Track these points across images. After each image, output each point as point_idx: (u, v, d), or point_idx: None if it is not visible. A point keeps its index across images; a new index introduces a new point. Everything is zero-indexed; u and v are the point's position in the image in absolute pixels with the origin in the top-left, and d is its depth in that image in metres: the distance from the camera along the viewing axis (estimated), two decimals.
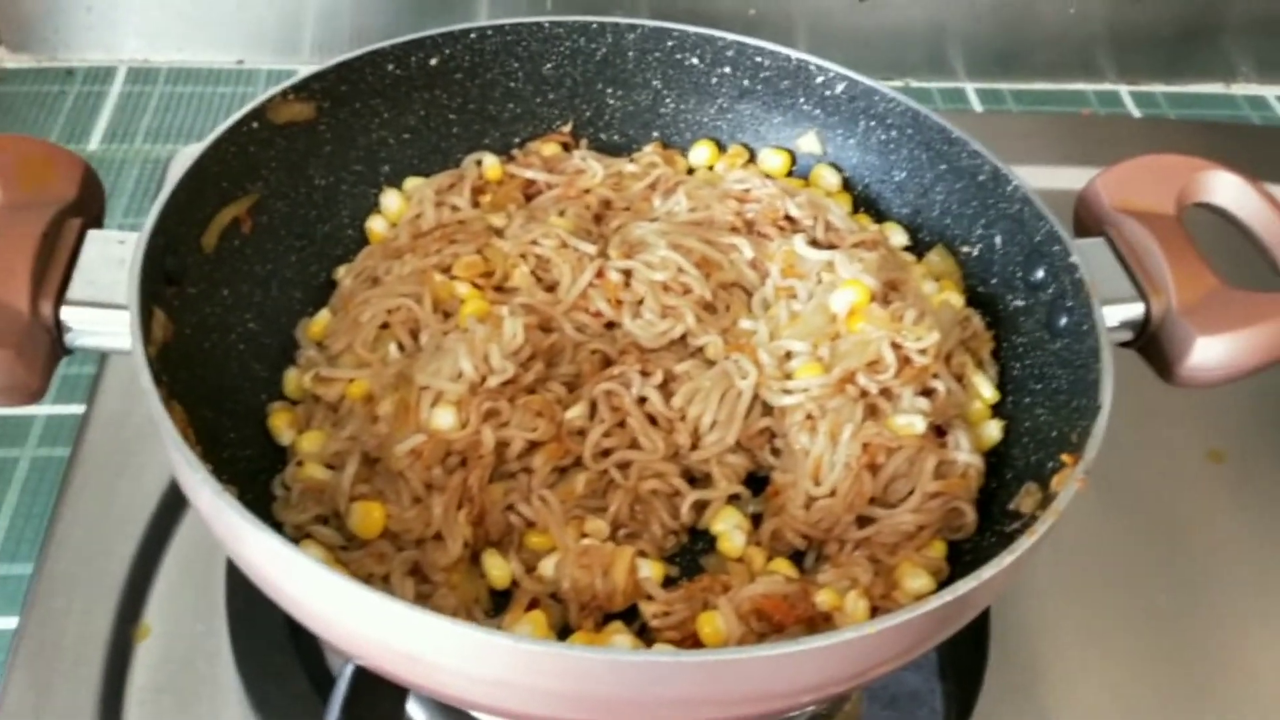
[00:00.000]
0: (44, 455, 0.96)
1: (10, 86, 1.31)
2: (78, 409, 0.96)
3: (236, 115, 0.78)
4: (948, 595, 0.56)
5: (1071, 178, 1.26)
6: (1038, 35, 1.45)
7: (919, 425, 0.73)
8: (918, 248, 0.89)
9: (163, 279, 0.70)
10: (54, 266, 0.68)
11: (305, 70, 1.24)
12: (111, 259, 0.69)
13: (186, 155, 1.12)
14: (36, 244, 0.67)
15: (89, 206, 0.72)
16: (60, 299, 0.67)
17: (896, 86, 1.43)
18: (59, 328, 0.67)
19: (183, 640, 0.81)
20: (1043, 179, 1.33)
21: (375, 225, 0.88)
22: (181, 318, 0.71)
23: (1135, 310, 0.75)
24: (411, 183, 0.90)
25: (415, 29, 1.32)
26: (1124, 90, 1.47)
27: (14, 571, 0.88)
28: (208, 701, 0.78)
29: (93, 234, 0.70)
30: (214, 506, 0.57)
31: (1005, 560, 0.57)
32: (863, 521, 0.72)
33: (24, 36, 1.34)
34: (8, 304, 0.64)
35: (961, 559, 0.72)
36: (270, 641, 0.80)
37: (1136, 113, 1.44)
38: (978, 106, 1.43)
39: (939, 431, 0.76)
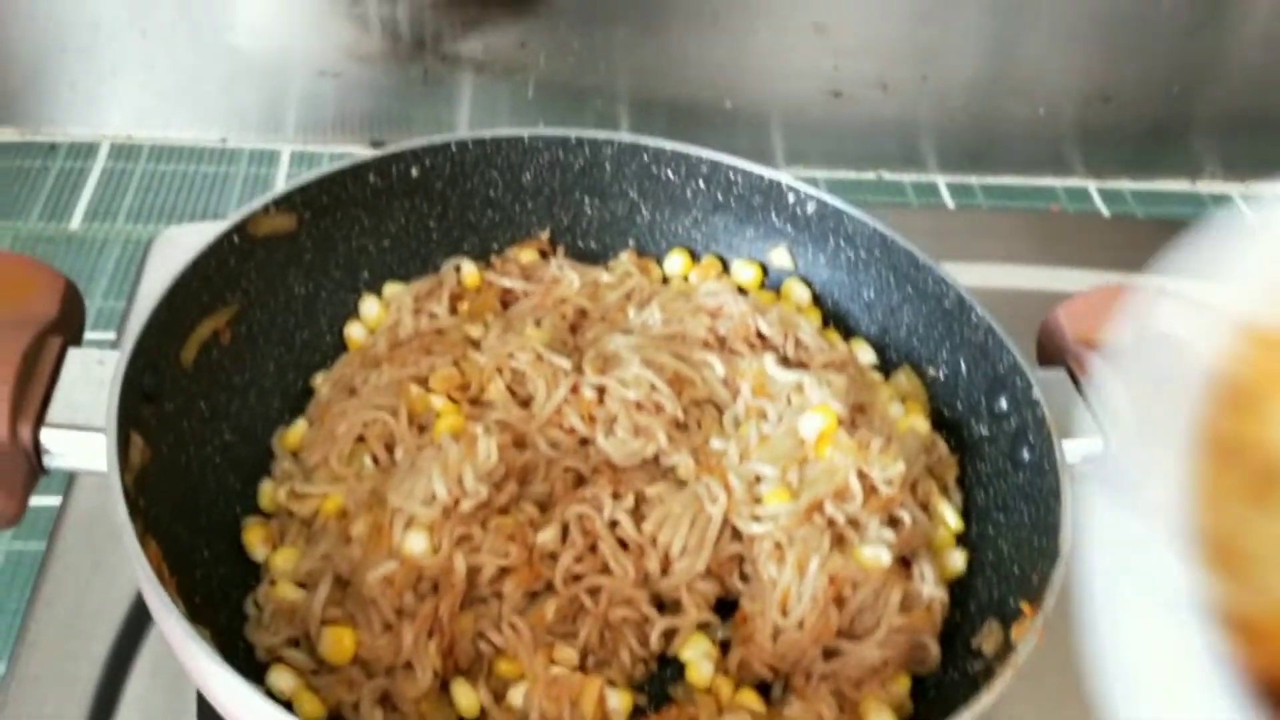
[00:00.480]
0: (18, 549, 0.96)
1: None
2: (53, 500, 0.96)
3: (218, 231, 0.79)
4: None
5: (1041, 277, 1.31)
6: (1008, 131, 1.48)
7: (885, 558, 0.74)
8: (885, 365, 0.91)
9: (141, 398, 0.71)
10: (33, 388, 0.68)
11: (289, 151, 1.25)
12: (91, 379, 0.70)
13: (170, 238, 1.16)
14: (17, 366, 0.68)
15: (69, 324, 0.73)
16: (40, 422, 0.67)
17: (869, 179, 1.48)
18: (38, 451, 0.67)
19: None
20: (1012, 278, 1.37)
21: (354, 332, 0.89)
22: (159, 436, 0.72)
23: (1095, 445, 0.77)
24: (391, 289, 0.91)
25: (395, 115, 1.37)
26: (1092, 186, 1.51)
27: None
28: None
29: (73, 353, 0.71)
30: (188, 650, 0.58)
31: (962, 716, 0.58)
32: (828, 654, 0.73)
33: (6, 109, 1.35)
34: None
35: (925, 695, 0.74)
36: None
37: (1105, 210, 1.48)
38: (949, 199, 1.46)
39: (904, 562, 0.77)
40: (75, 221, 1.25)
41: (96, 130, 1.35)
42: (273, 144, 1.38)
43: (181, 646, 0.59)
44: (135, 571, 0.60)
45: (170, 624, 0.58)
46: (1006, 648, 0.67)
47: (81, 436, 0.68)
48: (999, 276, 1.29)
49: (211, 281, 0.79)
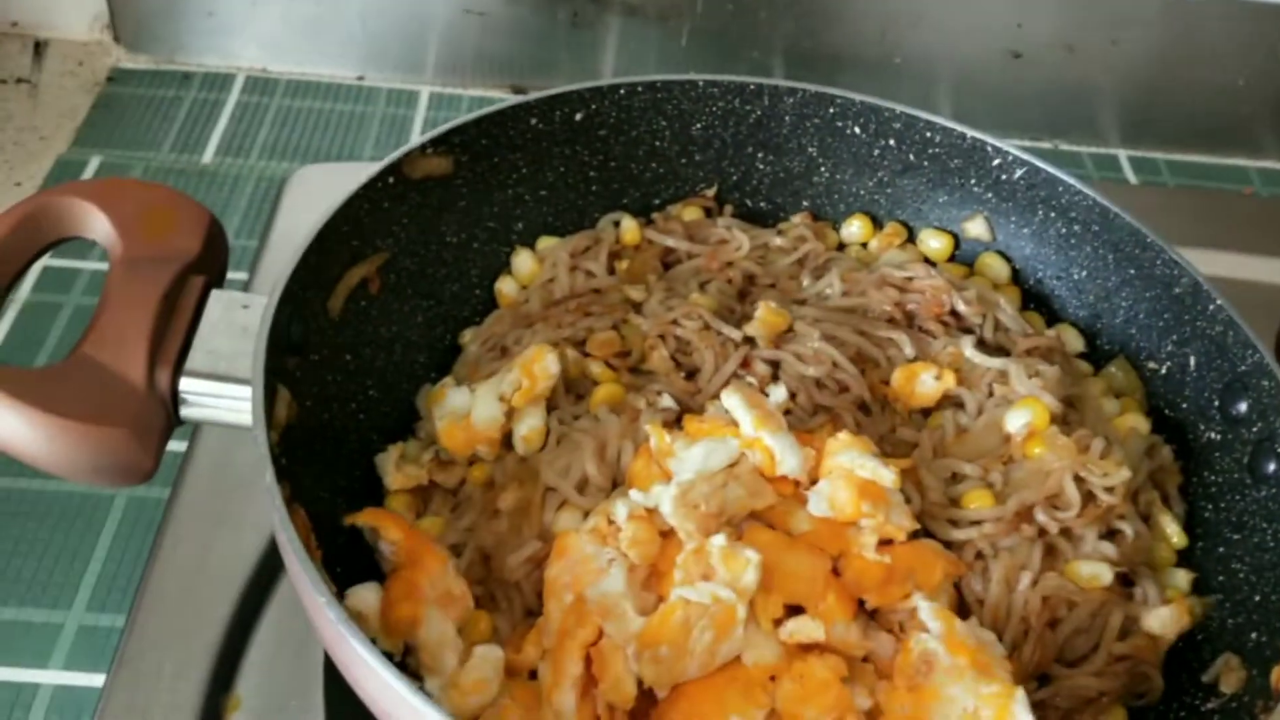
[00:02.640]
0: (140, 495, 0.91)
1: (125, 87, 1.28)
2: (179, 446, 0.91)
3: (372, 171, 0.72)
4: None
5: (1236, 264, 1.19)
6: (1198, 105, 1.35)
7: (1106, 576, 0.65)
8: (1094, 355, 0.81)
9: (287, 350, 0.64)
10: (174, 331, 0.62)
11: (428, 92, 1.19)
12: (235, 325, 0.64)
13: (305, 178, 1.10)
14: (157, 306, 0.62)
15: (212, 263, 0.67)
16: (179, 369, 0.61)
17: (1045, 149, 1.36)
18: (175, 400, 0.62)
19: (276, 716, 0.76)
20: (1206, 263, 1.24)
21: (505, 287, 0.82)
22: (303, 390, 0.66)
23: None
24: (545, 242, 0.84)
25: (541, 57, 1.29)
26: None
27: (103, 623, 0.83)
28: None
29: (216, 295, 0.65)
30: (333, 631, 0.51)
31: None
32: (1039, 679, 0.64)
33: (141, 36, 1.31)
34: (123, 375, 0.59)
35: None
36: None
37: None
38: (1131, 174, 1.33)
39: (1123, 580, 0.68)
40: (208, 155, 1.20)
41: (232, 62, 1.30)
42: (411, 84, 1.31)
43: (329, 630, 0.53)
44: (280, 541, 0.54)
45: (318, 606, 0.52)
46: (1258, 689, 0.58)
47: (224, 387, 0.62)
48: (1192, 262, 1.19)
49: (363, 225, 0.72)
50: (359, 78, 1.31)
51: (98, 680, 0.79)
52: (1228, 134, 1.37)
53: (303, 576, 0.52)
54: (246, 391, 0.60)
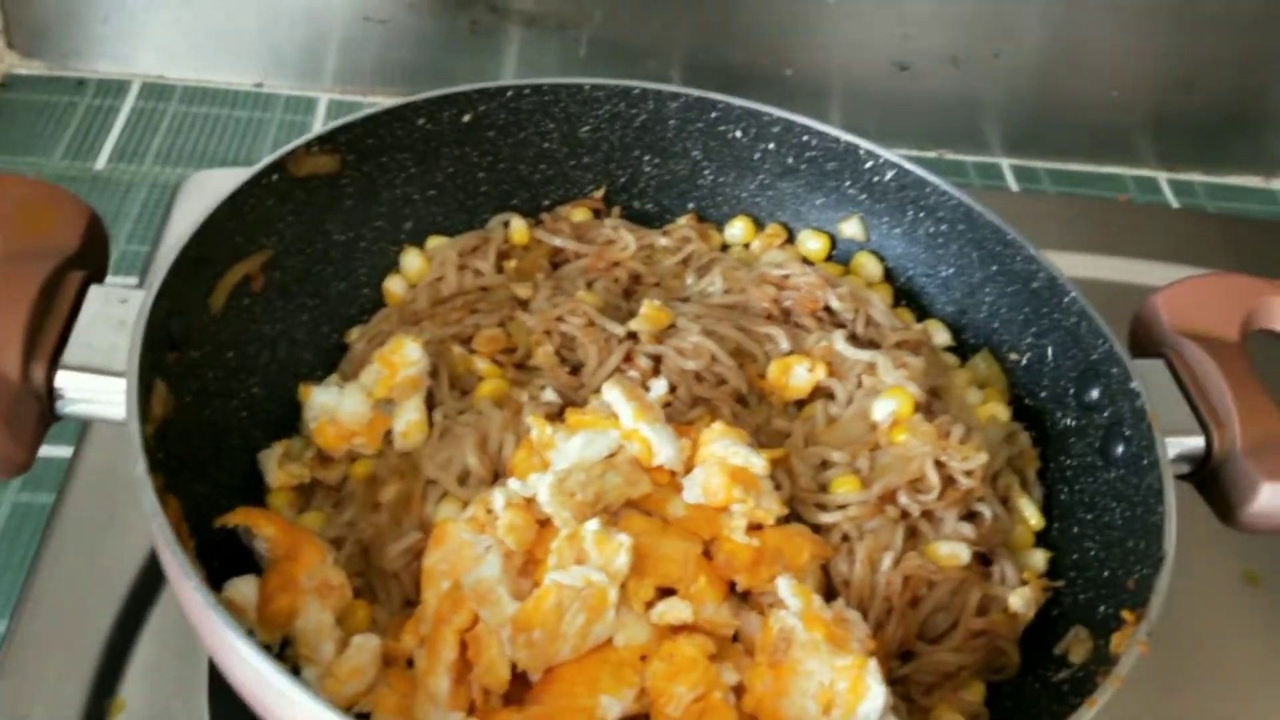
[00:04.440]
0: (25, 501, 0.90)
1: (18, 94, 1.26)
2: (65, 452, 0.91)
3: (256, 168, 0.73)
4: None
5: (1107, 267, 1.24)
6: (1078, 116, 1.41)
7: (964, 556, 0.68)
8: (961, 349, 0.85)
9: (166, 344, 0.65)
10: (50, 325, 0.63)
11: (326, 100, 1.20)
12: (112, 319, 0.64)
13: (199, 183, 1.10)
14: (33, 300, 0.62)
15: (91, 258, 0.67)
16: (55, 363, 0.62)
17: (930, 158, 1.41)
18: (50, 394, 0.62)
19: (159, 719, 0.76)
20: (1077, 266, 1.29)
21: (393, 286, 0.84)
22: (183, 385, 0.66)
23: (1195, 444, 0.71)
24: (434, 242, 0.85)
25: (441, 65, 1.31)
26: (1162, 178, 1.44)
27: None
28: None
29: (94, 290, 0.65)
30: (205, 618, 0.52)
31: None
32: (901, 657, 0.67)
33: (36, 42, 1.29)
34: None
35: (1001, 703, 0.68)
36: None
37: (1174, 202, 1.40)
38: (1013, 183, 1.39)
39: (982, 560, 0.71)
40: (101, 161, 1.19)
41: (127, 68, 1.30)
42: (310, 90, 1.32)
43: (200, 616, 0.53)
44: (152, 531, 0.55)
45: (188, 591, 0.52)
46: (1102, 658, 0.61)
47: (100, 381, 0.62)
48: (1064, 265, 1.24)
49: (246, 222, 0.73)
50: (257, 84, 1.31)
51: None
52: (1106, 143, 1.43)
53: (173, 563, 0.53)
54: (122, 385, 0.60)
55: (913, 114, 1.38)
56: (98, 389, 0.62)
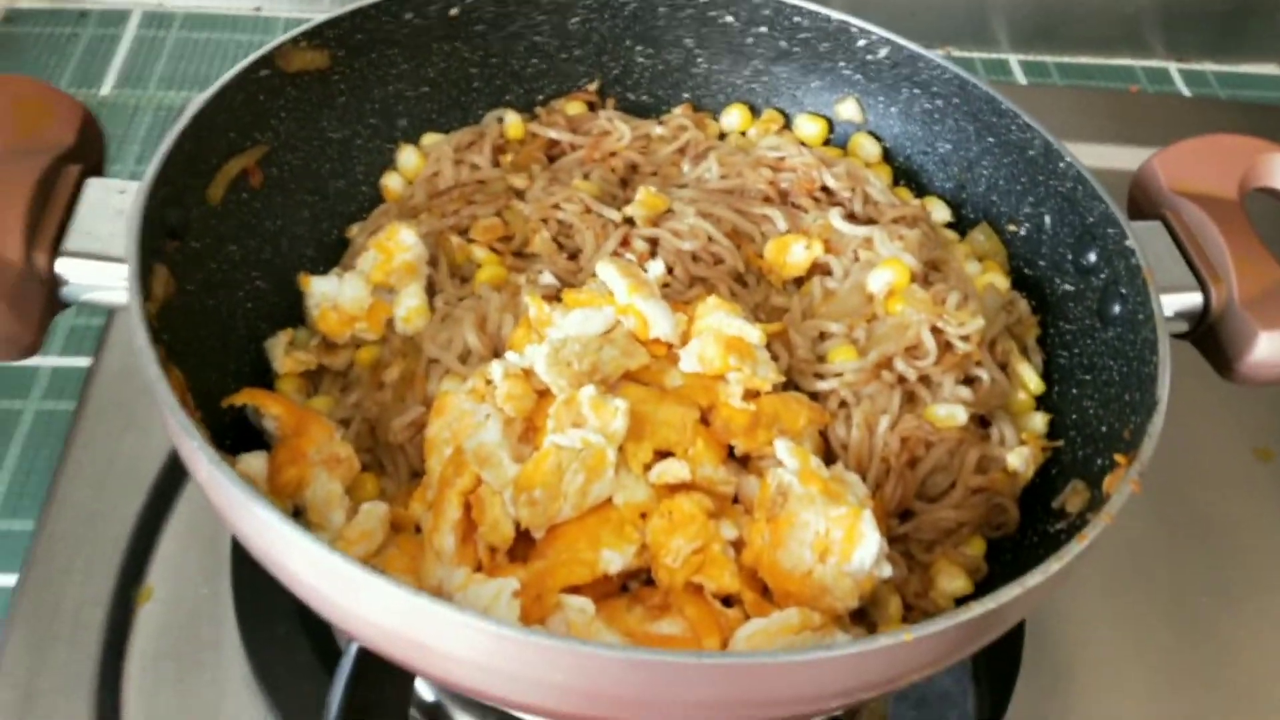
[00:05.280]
0: (49, 408, 0.92)
1: (21, 27, 1.27)
2: (84, 362, 0.93)
3: (245, 61, 0.73)
4: (990, 603, 0.52)
5: (1119, 156, 1.22)
6: (1085, 8, 1.39)
7: (961, 416, 0.69)
8: (960, 224, 0.85)
9: (165, 232, 0.66)
10: (49, 216, 0.64)
11: (322, 19, 1.19)
12: (111, 209, 0.65)
13: (197, 103, 1.11)
14: (31, 191, 0.63)
15: (88, 153, 0.68)
16: (56, 250, 0.63)
17: (937, 55, 1.39)
18: (55, 280, 0.63)
19: (186, 604, 0.78)
20: (1089, 157, 1.28)
21: (390, 182, 0.84)
22: (185, 273, 0.67)
23: (1193, 300, 0.71)
24: (430, 139, 0.86)
25: None
26: (1173, 68, 1.42)
27: (15, 528, 0.85)
28: (210, 669, 0.75)
29: (92, 182, 0.66)
30: (211, 477, 0.54)
31: (1052, 567, 0.53)
32: (901, 515, 0.68)
33: None
34: None
35: (1001, 558, 0.69)
36: (275, 608, 0.77)
37: (1186, 91, 1.39)
38: (1021, 78, 1.37)
39: (981, 422, 0.71)
40: (106, 88, 1.20)
41: None
42: (308, 12, 1.31)
43: (209, 480, 0.55)
44: (158, 402, 0.56)
45: (193, 452, 0.54)
46: (1097, 501, 0.62)
47: (102, 267, 0.63)
48: (1077, 156, 1.23)
49: (239, 117, 0.73)
50: (256, 9, 1.32)
51: (9, 580, 0.81)
52: (1115, 36, 1.41)
53: (177, 427, 0.54)
54: (123, 270, 0.61)
55: (919, 12, 1.37)
56: (100, 274, 0.63)
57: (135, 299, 0.59)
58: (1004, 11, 1.38)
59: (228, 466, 0.53)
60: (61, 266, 0.63)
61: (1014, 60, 1.39)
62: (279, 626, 0.77)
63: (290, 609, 0.77)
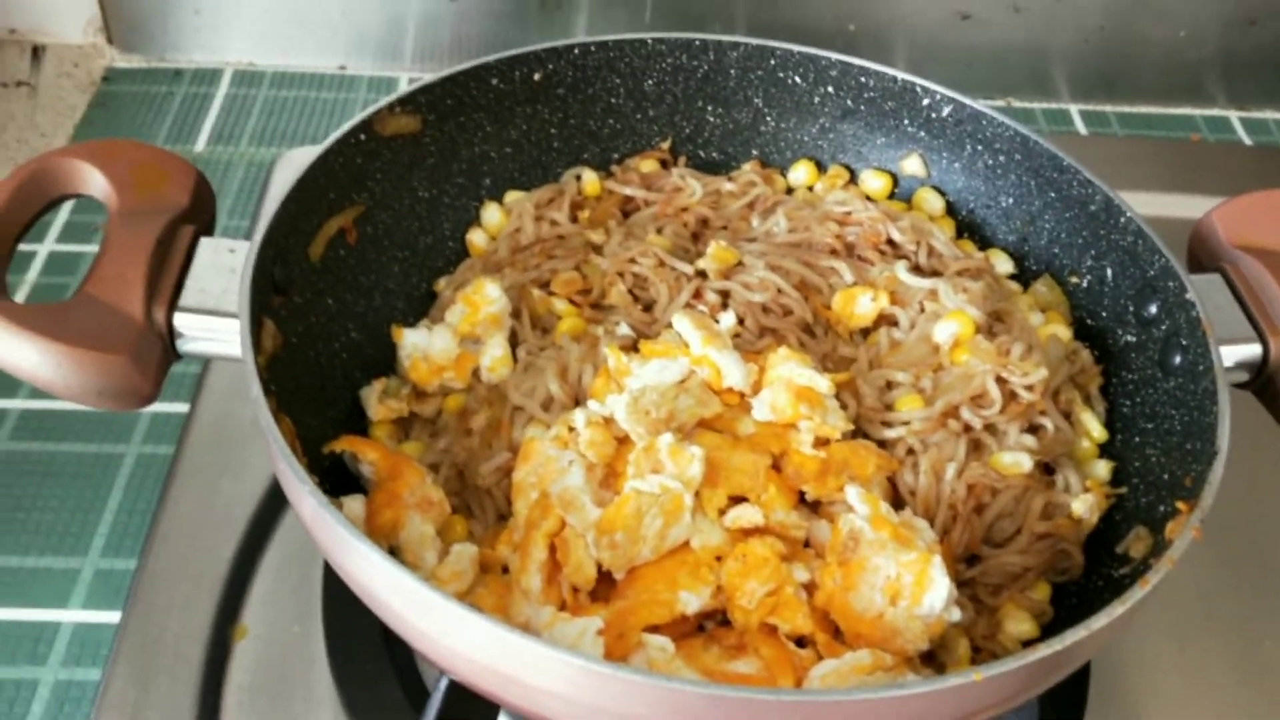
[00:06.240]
0: (148, 452, 0.98)
1: (120, 86, 1.35)
2: (182, 408, 0.98)
3: (345, 127, 0.78)
4: (1056, 644, 0.54)
5: (1181, 205, 1.24)
6: (1145, 57, 1.41)
7: (1026, 464, 0.71)
8: (1023, 276, 0.87)
9: (271, 288, 0.71)
10: (167, 274, 0.69)
11: (407, 79, 1.26)
12: (223, 267, 0.70)
13: (291, 160, 1.17)
14: (150, 251, 0.68)
15: (200, 214, 0.74)
16: (173, 306, 0.68)
17: (998, 106, 1.41)
18: (171, 334, 0.68)
19: (279, 642, 0.82)
20: (1150, 206, 1.30)
21: (475, 238, 0.89)
22: (288, 327, 0.72)
23: (1253, 351, 0.73)
24: (512, 196, 0.91)
25: (514, 40, 1.36)
26: (1234, 116, 1.43)
27: (118, 566, 0.90)
28: (302, 703, 0.79)
29: (205, 242, 0.72)
30: (319, 518, 0.58)
31: (1116, 610, 0.55)
32: (969, 560, 0.70)
33: (134, 37, 1.38)
34: (122, 310, 0.66)
35: (1066, 601, 0.70)
36: (364, 647, 0.80)
37: (1248, 140, 1.40)
38: (1082, 128, 1.39)
39: (1046, 470, 0.74)
40: (200, 144, 1.27)
41: (220, 57, 1.37)
42: (391, 70, 1.38)
43: (317, 521, 0.59)
44: (269, 447, 0.60)
45: (303, 496, 0.58)
46: (1160, 546, 0.64)
47: (214, 321, 0.68)
48: (1136, 205, 1.25)
49: (338, 179, 0.78)
50: (341, 67, 1.38)
51: (114, 617, 0.85)
52: (1175, 85, 1.43)
53: (288, 472, 0.59)
54: (235, 325, 0.66)
55: (978, 63, 1.40)
56: (214, 329, 0.68)
57: (248, 353, 0.64)
58: (1064, 62, 1.41)
59: (336, 510, 0.57)
60: (178, 321, 0.68)
61: (1074, 110, 1.42)
62: (368, 664, 0.81)
63: (378, 647, 0.81)
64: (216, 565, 0.87)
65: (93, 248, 1.13)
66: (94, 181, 0.71)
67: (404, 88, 1.34)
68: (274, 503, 0.90)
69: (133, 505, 0.95)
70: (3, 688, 0.84)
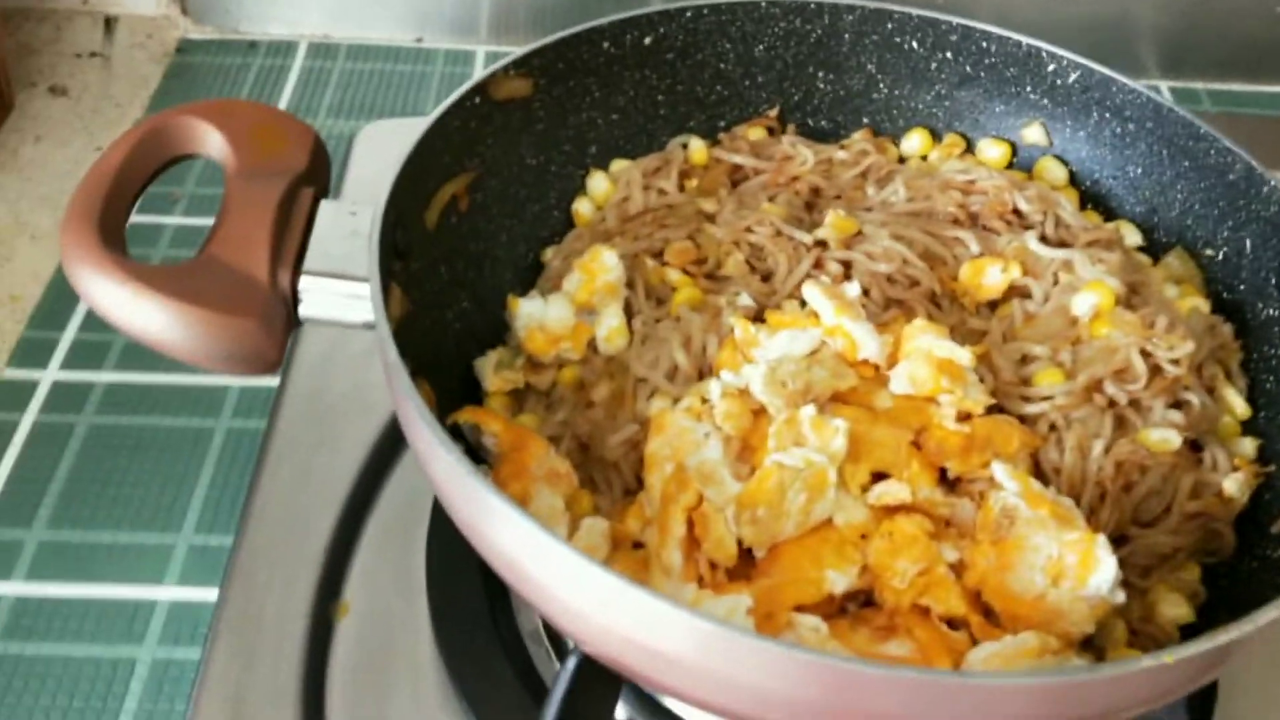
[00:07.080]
0: (238, 426, 0.96)
1: (194, 57, 1.33)
2: (271, 381, 0.96)
3: (460, 90, 0.76)
4: (1247, 625, 0.51)
5: None
6: (1237, 31, 1.37)
7: (1175, 440, 0.68)
8: (1152, 249, 0.84)
9: (394, 253, 0.69)
10: (290, 236, 0.67)
11: (483, 52, 1.23)
12: (345, 230, 0.68)
13: (375, 133, 1.15)
14: (274, 213, 0.66)
15: (319, 176, 0.71)
16: (298, 269, 0.66)
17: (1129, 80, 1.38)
18: (295, 298, 0.66)
19: (383, 619, 0.80)
20: None
21: (581, 208, 0.86)
22: (409, 294, 0.70)
23: None
24: (618, 165, 0.88)
25: (592, 11, 1.32)
26: None
27: (212, 543, 0.88)
28: (409, 681, 0.77)
29: (325, 205, 0.69)
30: (466, 488, 0.55)
31: None
32: (1116, 541, 0.67)
33: (207, 8, 1.36)
34: (249, 273, 0.64)
35: (1217, 583, 0.68)
36: (471, 621, 0.78)
37: None
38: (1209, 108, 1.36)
39: (1193, 447, 0.71)
40: None
41: (295, 29, 1.35)
42: (467, 44, 1.35)
43: (459, 486, 0.57)
44: (408, 414, 0.58)
45: (448, 465, 0.56)
46: None
47: (340, 285, 0.66)
48: None
49: (453, 143, 0.76)
50: (417, 40, 1.36)
51: (210, 594, 0.84)
52: (1268, 60, 1.39)
53: (432, 440, 0.56)
54: (361, 288, 0.64)
55: (1062, 38, 1.33)
56: (338, 292, 0.66)
57: (381, 316, 0.61)
58: (1151, 36, 1.37)
59: (483, 478, 0.54)
60: (303, 284, 0.66)
61: (1163, 86, 1.38)
62: (475, 640, 0.79)
63: (486, 622, 0.79)
64: (315, 541, 0.85)
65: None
66: (212, 141, 0.69)
67: (480, 64, 1.33)
68: (371, 477, 0.88)
69: (225, 480, 0.93)
70: (99, 667, 0.82)
